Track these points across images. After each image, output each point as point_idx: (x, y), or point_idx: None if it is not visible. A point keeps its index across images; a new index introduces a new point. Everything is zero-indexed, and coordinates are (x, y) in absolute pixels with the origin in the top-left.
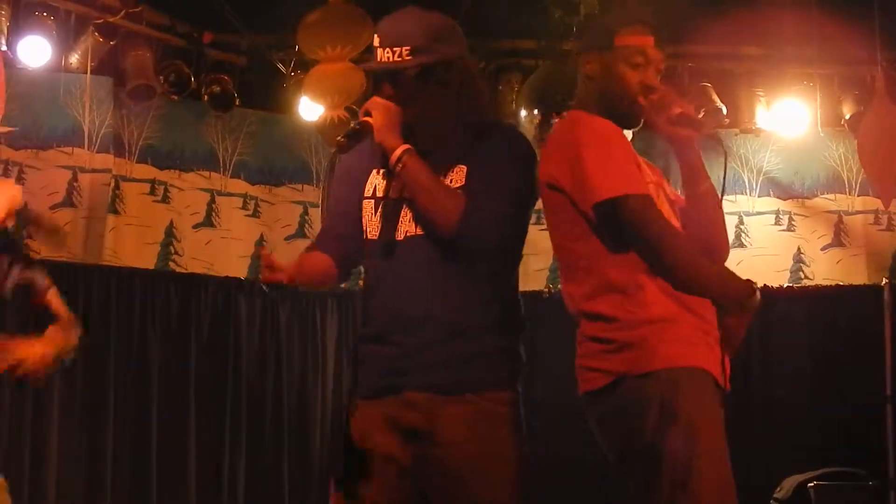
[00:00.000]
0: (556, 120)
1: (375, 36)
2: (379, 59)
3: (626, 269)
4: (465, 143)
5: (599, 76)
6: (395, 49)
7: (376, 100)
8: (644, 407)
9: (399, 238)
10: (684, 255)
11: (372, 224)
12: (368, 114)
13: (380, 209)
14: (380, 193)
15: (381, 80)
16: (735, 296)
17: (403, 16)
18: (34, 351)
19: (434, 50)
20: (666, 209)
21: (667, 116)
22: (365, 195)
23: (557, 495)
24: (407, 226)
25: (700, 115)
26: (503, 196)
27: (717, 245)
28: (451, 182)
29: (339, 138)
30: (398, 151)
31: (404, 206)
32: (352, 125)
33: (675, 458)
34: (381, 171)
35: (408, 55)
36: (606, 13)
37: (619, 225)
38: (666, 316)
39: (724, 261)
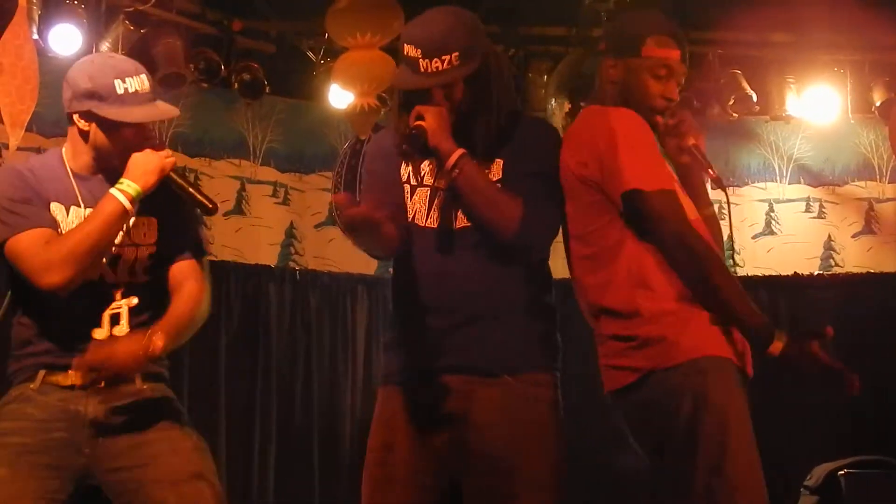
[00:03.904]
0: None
1: (410, 45)
2: (425, 70)
3: (650, 259)
4: (499, 135)
5: (622, 81)
6: (443, 57)
7: (427, 106)
8: (675, 399)
9: (438, 225)
10: (706, 258)
11: (409, 207)
12: (420, 117)
13: (416, 195)
14: (414, 181)
15: (428, 88)
16: (750, 321)
17: (437, 19)
18: (117, 350)
19: (477, 51)
20: (686, 203)
21: (678, 144)
22: (402, 178)
23: (592, 481)
24: (447, 214)
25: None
26: (553, 198)
27: None
28: (489, 176)
29: (403, 147)
30: (454, 157)
31: (446, 196)
32: (408, 132)
33: (709, 444)
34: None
35: (457, 61)
36: (635, 17)
37: (637, 218)
38: (686, 306)
39: None
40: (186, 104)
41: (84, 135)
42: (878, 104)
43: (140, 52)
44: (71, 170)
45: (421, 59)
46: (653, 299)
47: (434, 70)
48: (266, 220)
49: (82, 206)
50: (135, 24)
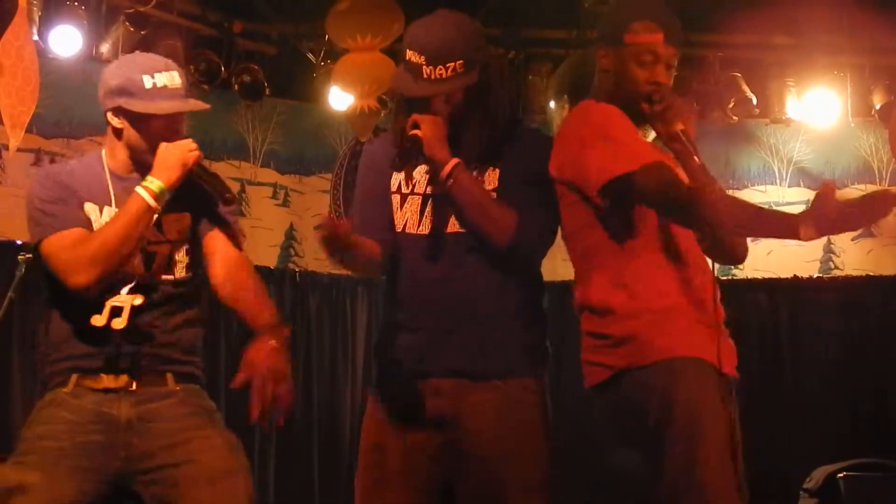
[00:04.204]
0: None
1: (413, 51)
2: (428, 76)
3: (628, 260)
4: (496, 143)
5: (612, 70)
6: (448, 65)
7: (424, 115)
8: (645, 398)
9: (431, 232)
10: (714, 203)
11: (399, 217)
12: (416, 126)
13: (407, 203)
14: (406, 189)
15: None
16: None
17: (440, 25)
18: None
19: (479, 59)
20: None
21: (666, 130)
22: (391, 189)
23: (593, 481)
24: (440, 220)
25: (694, 136)
26: (548, 205)
27: (735, 246)
28: (485, 184)
29: (395, 160)
30: (449, 167)
31: (437, 202)
32: (403, 142)
33: (678, 442)
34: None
35: (461, 69)
36: (620, 4)
37: (629, 203)
38: (663, 306)
39: (743, 259)
40: None
41: (118, 133)
42: (878, 107)
43: None
44: (109, 169)
45: (424, 66)
46: (628, 299)
47: (438, 77)
48: (266, 221)
49: (114, 205)
50: (135, 25)
